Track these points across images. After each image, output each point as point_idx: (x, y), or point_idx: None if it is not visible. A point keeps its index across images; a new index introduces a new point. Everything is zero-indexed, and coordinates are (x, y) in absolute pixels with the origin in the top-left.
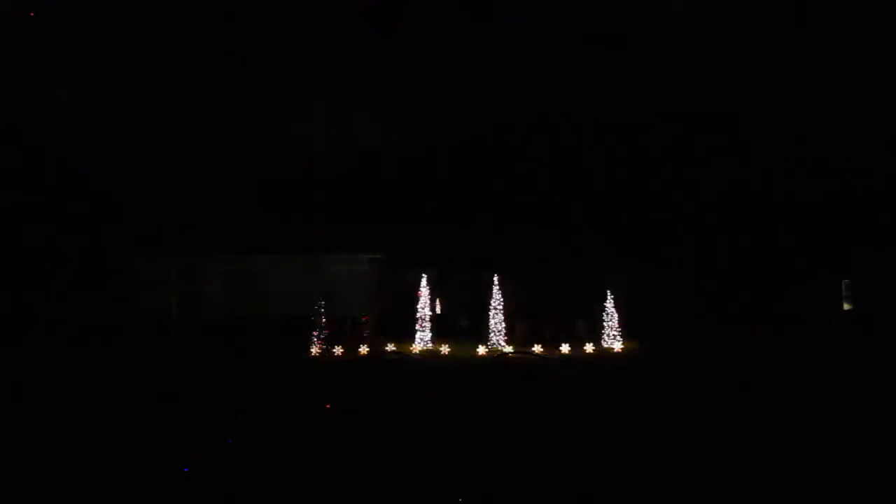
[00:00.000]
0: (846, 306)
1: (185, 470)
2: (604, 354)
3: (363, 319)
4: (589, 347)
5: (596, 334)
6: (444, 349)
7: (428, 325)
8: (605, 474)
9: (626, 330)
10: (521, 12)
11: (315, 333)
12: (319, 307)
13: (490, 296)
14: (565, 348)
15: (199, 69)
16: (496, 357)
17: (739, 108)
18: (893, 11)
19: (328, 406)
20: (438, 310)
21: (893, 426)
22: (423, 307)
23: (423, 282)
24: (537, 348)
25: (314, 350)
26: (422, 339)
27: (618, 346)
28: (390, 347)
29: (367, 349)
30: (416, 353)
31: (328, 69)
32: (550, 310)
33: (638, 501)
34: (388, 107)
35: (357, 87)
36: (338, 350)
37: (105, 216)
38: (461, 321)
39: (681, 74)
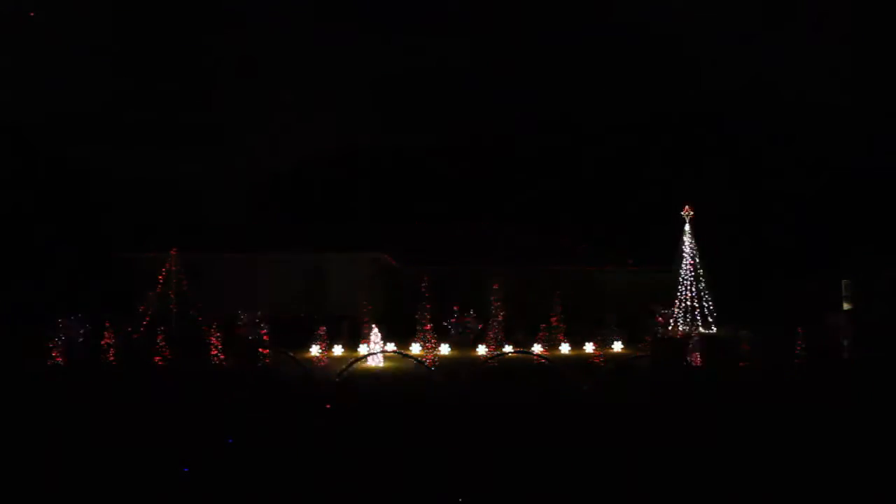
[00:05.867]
0: (846, 306)
1: (185, 470)
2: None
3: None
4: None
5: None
6: (445, 349)
7: (429, 325)
8: (607, 474)
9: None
10: (527, 13)
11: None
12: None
13: (491, 296)
14: (565, 349)
15: (194, 69)
16: (495, 356)
17: (738, 109)
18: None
19: (328, 406)
20: (438, 310)
21: (893, 427)
22: (424, 307)
23: (424, 283)
24: (537, 348)
25: (315, 350)
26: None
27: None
28: (391, 347)
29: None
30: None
31: (327, 67)
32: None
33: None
34: (387, 105)
35: (357, 86)
36: (338, 349)
37: (105, 215)
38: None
39: (679, 74)
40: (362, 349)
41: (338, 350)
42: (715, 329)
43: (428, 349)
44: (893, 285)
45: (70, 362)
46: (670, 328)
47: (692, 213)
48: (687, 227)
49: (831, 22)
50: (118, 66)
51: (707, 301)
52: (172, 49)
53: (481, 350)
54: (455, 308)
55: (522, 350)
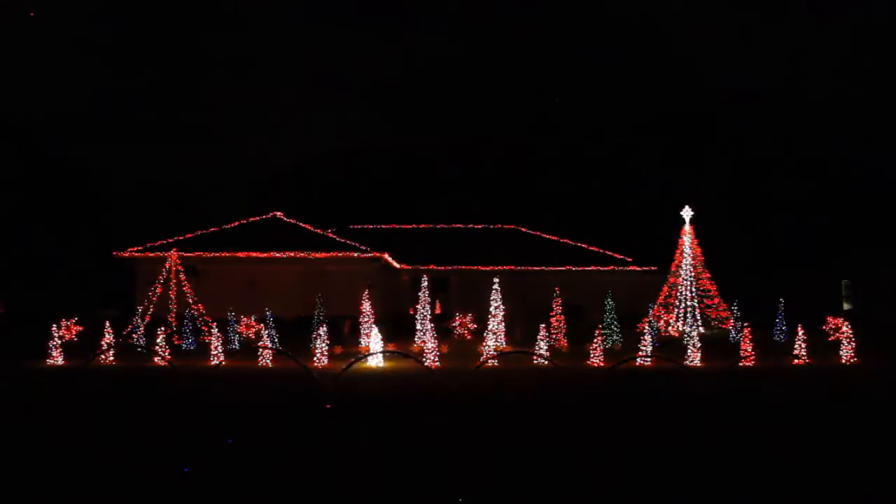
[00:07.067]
0: (846, 306)
1: (185, 470)
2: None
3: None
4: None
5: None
6: (444, 349)
7: (429, 325)
8: (608, 474)
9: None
10: (527, 14)
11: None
12: (318, 307)
13: (490, 296)
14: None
15: (196, 68)
16: (494, 356)
17: (737, 108)
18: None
19: (328, 406)
20: (438, 310)
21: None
22: (423, 307)
23: (424, 283)
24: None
25: (315, 350)
26: (422, 339)
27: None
28: (390, 347)
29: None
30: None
31: (327, 67)
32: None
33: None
34: (388, 104)
35: (356, 86)
36: (338, 350)
37: (105, 215)
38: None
39: (679, 75)
40: (362, 348)
41: (338, 350)
42: (717, 329)
43: (428, 349)
44: (893, 285)
45: (69, 362)
46: (671, 329)
47: (692, 212)
48: (687, 227)
49: (831, 21)
50: (119, 67)
51: (707, 301)
52: (172, 49)
53: (480, 349)
54: (454, 308)
55: (522, 350)
